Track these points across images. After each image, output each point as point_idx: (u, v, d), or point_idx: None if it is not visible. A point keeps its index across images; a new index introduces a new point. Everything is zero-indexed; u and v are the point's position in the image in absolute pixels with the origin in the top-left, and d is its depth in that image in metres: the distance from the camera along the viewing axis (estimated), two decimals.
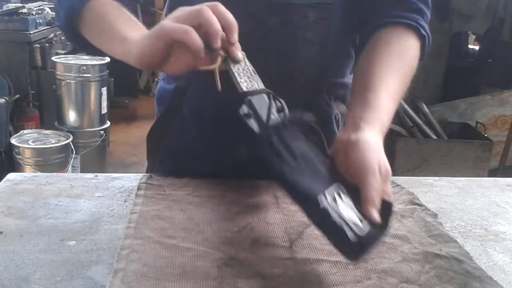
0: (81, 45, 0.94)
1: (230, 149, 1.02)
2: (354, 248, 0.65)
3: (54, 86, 3.39)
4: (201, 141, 1.02)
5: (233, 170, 1.02)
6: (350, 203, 0.69)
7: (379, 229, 0.68)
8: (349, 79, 1.08)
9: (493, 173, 3.45)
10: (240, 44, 0.76)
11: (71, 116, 3.46)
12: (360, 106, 0.83)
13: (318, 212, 0.66)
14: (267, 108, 0.74)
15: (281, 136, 0.72)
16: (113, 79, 3.66)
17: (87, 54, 3.71)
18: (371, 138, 0.77)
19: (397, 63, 0.91)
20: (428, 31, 0.97)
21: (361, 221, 0.67)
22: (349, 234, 0.64)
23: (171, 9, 0.99)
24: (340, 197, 0.69)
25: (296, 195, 0.69)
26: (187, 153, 1.04)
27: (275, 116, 0.74)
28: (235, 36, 0.73)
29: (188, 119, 1.02)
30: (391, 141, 3.29)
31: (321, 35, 0.96)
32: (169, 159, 1.05)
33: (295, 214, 0.89)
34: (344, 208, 0.68)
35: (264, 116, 0.73)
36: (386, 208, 0.70)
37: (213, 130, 1.01)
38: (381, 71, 0.88)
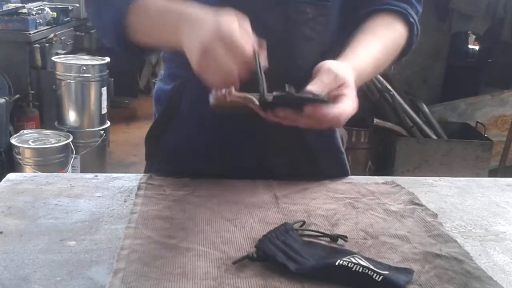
0: (138, 53, 0.93)
1: (230, 146, 1.02)
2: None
3: (54, 86, 3.39)
4: (200, 140, 1.03)
5: (233, 168, 1.02)
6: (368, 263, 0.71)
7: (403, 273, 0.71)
8: None
9: (493, 173, 3.44)
10: None
11: (71, 116, 3.46)
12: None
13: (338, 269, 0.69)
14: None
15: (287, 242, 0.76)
16: (113, 79, 3.66)
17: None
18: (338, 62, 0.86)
19: (381, 33, 0.96)
20: (417, 21, 1.00)
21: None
22: (374, 276, 0.67)
23: None
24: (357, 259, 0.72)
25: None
26: (187, 152, 1.04)
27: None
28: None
29: (187, 117, 1.02)
30: (391, 141, 3.29)
31: (319, 32, 0.97)
32: (169, 159, 1.05)
33: (295, 214, 0.89)
34: (362, 261, 0.70)
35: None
36: (406, 272, 0.72)
37: (212, 128, 1.01)
38: (364, 36, 0.95)
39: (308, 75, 0.92)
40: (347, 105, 0.80)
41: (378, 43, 0.95)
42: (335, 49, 1.01)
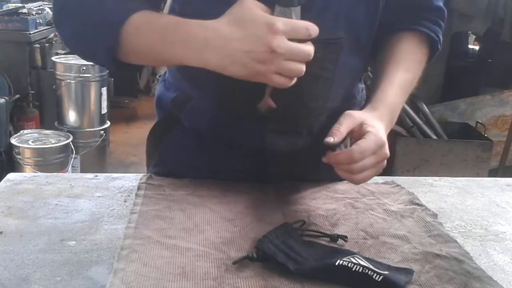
0: (126, 71, 0.86)
1: (228, 160, 1.01)
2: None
3: (54, 86, 3.39)
4: (199, 152, 1.02)
5: (230, 180, 1.00)
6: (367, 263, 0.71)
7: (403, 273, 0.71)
8: (356, 88, 1.05)
9: (493, 173, 3.44)
10: None
11: (71, 116, 3.46)
12: (371, 104, 0.92)
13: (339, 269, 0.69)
14: None
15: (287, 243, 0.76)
16: (113, 79, 3.66)
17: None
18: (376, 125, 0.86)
19: (409, 62, 0.97)
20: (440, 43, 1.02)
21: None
22: (374, 276, 0.67)
23: (171, 11, 0.98)
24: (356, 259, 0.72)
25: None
26: (182, 161, 1.03)
27: None
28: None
29: (187, 130, 1.01)
30: (391, 141, 3.29)
31: (328, 70, 0.90)
32: (164, 165, 1.05)
33: (295, 214, 0.89)
34: (362, 261, 0.70)
35: None
36: (406, 272, 0.72)
37: (211, 142, 1.00)
38: (391, 67, 0.95)
39: (317, 114, 0.92)
40: (367, 141, 0.82)
41: (406, 73, 0.95)
42: (347, 74, 0.96)
